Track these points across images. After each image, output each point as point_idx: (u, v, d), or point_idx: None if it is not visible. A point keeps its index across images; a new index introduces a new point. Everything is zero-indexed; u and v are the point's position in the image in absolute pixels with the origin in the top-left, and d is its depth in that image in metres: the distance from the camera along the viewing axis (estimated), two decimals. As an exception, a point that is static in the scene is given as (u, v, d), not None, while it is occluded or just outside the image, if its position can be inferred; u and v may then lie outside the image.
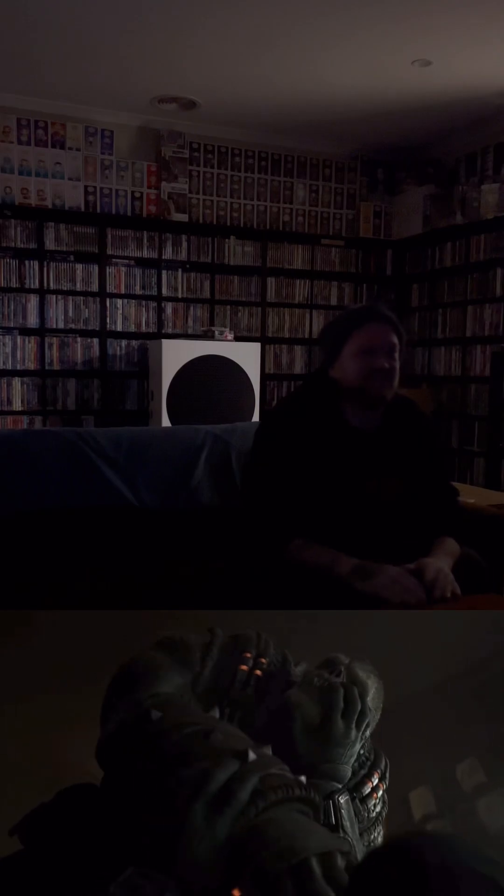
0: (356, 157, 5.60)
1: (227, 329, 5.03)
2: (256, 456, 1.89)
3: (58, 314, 4.93)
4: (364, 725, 1.12)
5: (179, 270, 5.21)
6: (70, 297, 4.96)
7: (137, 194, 5.12)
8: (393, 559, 1.69)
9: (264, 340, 5.37)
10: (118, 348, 5.10)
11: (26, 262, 4.83)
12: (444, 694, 1.56)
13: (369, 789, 1.12)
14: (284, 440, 1.82)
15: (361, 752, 1.13)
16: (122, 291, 5.08)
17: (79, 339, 5.00)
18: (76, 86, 4.57)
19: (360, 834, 1.07)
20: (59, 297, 4.93)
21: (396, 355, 1.82)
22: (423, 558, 1.70)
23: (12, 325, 4.84)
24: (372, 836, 1.11)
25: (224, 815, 0.81)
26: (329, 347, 1.86)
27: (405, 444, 1.89)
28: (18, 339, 4.87)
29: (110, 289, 5.04)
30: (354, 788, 1.10)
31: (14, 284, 4.82)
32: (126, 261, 5.09)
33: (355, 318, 1.83)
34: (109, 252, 5.02)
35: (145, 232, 5.11)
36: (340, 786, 1.06)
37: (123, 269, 5.08)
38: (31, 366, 4.90)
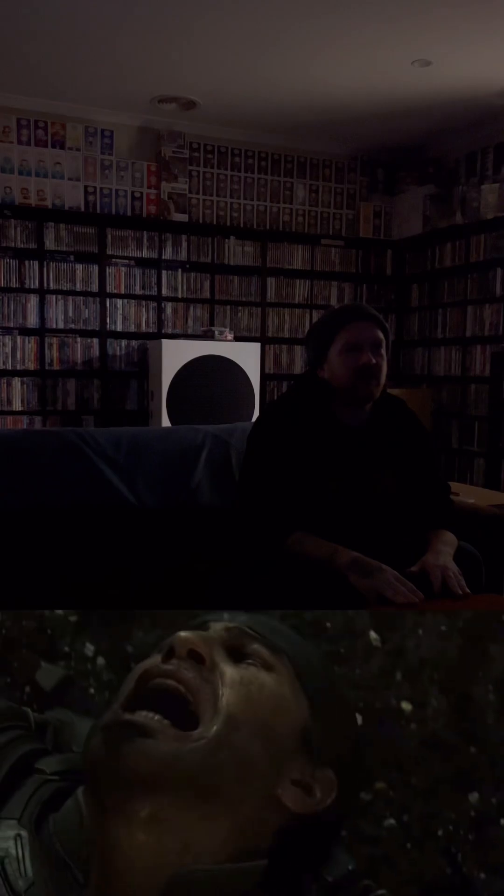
0: (356, 157, 5.60)
1: (227, 329, 5.03)
2: (252, 455, 1.92)
3: (58, 314, 4.93)
4: None
5: (179, 270, 5.21)
6: (70, 297, 4.95)
7: (137, 194, 5.11)
8: (389, 552, 1.71)
9: (264, 340, 5.37)
10: (118, 348, 5.09)
11: (26, 262, 4.83)
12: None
13: None
14: (278, 438, 1.85)
15: None
16: (122, 291, 5.08)
17: (79, 339, 5.00)
18: (76, 86, 4.57)
19: None
20: (59, 297, 4.92)
21: (382, 351, 1.84)
22: (426, 559, 1.70)
23: (12, 325, 4.84)
24: None
25: None
26: (315, 348, 1.89)
27: (395, 439, 1.92)
28: (18, 339, 4.87)
29: (110, 289, 5.04)
30: None
31: (14, 284, 4.81)
32: (126, 261, 5.08)
33: (339, 318, 1.86)
34: (109, 252, 5.02)
35: (145, 232, 5.10)
36: None
37: (123, 269, 5.08)
38: (31, 366, 4.89)
